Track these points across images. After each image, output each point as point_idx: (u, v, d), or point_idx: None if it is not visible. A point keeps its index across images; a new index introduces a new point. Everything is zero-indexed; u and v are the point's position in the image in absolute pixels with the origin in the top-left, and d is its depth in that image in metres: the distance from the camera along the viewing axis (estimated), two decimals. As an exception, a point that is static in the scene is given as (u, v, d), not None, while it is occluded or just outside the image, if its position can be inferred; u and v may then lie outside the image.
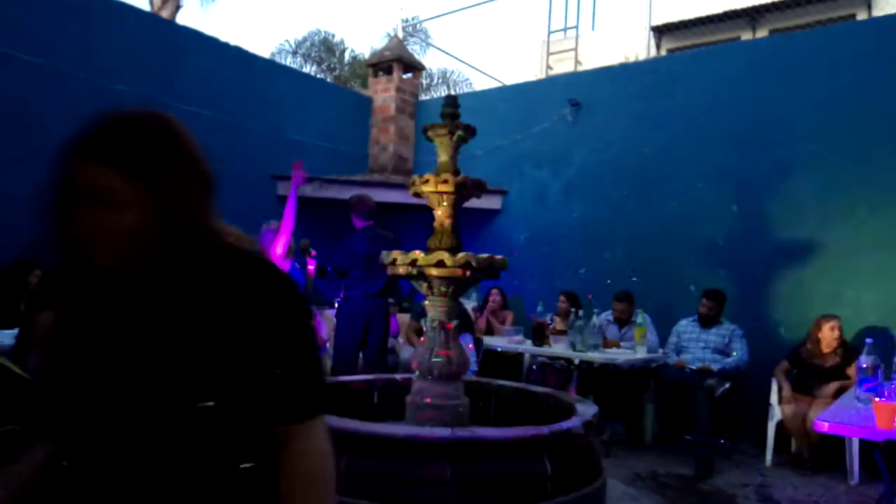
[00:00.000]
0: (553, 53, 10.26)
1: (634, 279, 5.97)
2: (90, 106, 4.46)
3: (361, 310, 4.75)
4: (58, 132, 4.34)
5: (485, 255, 3.34)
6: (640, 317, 5.14)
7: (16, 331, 3.70)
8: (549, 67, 10.12)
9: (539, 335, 5.22)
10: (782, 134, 5.55)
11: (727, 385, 4.83)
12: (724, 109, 5.86)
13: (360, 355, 4.85)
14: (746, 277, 5.57)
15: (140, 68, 5.70)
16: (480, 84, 13.76)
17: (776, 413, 4.72)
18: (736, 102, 5.80)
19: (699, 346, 5.09)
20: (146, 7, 10.95)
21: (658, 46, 10.89)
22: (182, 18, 6.62)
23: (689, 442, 4.91)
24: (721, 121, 5.86)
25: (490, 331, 6.14)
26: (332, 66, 15.07)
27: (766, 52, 5.89)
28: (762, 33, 10.40)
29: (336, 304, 5.49)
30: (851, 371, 4.46)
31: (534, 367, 5.66)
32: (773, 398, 4.79)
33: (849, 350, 4.57)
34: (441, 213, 3.52)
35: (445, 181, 3.41)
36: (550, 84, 7.43)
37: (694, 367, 4.94)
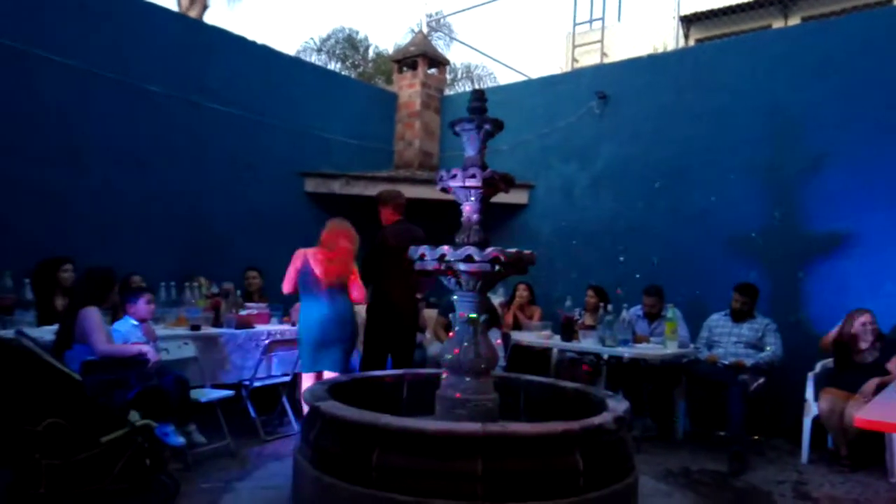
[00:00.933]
0: (579, 46, 10.15)
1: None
2: (123, 107, 4.62)
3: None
4: (92, 133, 4.50)
5: (513, 250, 3.32)
6: (671, 311, 5.07)
7: (55, 327, 3.79)
8: (574, 60, 10.01)
9: (568, 330, 5.19)
10: (816, 124, 5.42)
11: (761, 380, 4.75)
12: (755, 100, 5.74)
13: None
14: (780, 271, 5.46)
15: (170, 69, 5.79)
16: (505, 78, 13.72)
17: (812, 408, 4.63)
18: (768, 92, 5.68)
19: (731, 340, 5.00)
20: (174, 7, 11.11)
21: (686, 37, 10.70)
22: (209, 18, 6.70)
23: (722, 438, 4.84)
24: (753, 112, 5.74)
25: (517, 326, 6.11)
26: (357, 62, 15.12)
27: (799, 41, 5.74)
28: (794, 21, 10.16)
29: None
30: (892, 365, 4.35)
31: (562, 362, 5.62)
32: (809, 393, 4.69)
33: (888, 344, 4.45)
34: (469, 209, 3.51)
35: (473, 176, 3.39)
36: (577, 77, 7.35)
37: (726, 363, 4.86)
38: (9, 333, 3.56)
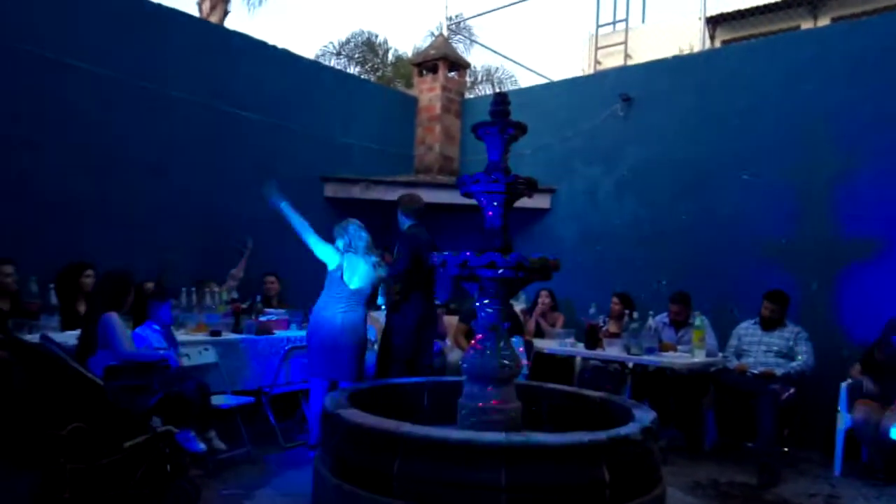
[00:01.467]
0: (602, 48, 10.04)
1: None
2: (146, 113, 4.62)
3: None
4: (116, 140, 4.51)
5: (537, 256, 3.26)
6: (698, 319, 4.96)
7: (78, 331, 3.81)
8: (597, 62, 9.91)
9: (592, 338, 5.10)
10: (847, 127, 5.28)
11: (791, 390, 4.62)
12: (784, 102, 5.61)
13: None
14: (811, 278, 5.32)
15: (192, 74, 5.82)
16: (526, 81, 13.60)
17: (845, 420, 4.48)
18: (797, 95, 5.55)
19: (761, 349, 4.87)
20: (195, 13, 11.23)
21: (712, 38, 10.53)
22: (230, 23, 6.73)
23: (751, 449, 4.70)
24: (782, 115, 5.61)
25: (540, 333, 6.04)
26: (376, 66, 15.15)
27: (829, 42, 5.61)
28: (824, 21, 9.96)
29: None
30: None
31: (586, 370, 5.53)
32: (842, 404, 4.54)
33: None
34: (491, 214, 3.45)
35: (496, 181, 3.34)
36: (601, 79, 7.26)
37: (756, 372, 4.73)
38: (34, 338, 3.58)
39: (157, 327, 3.97)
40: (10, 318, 4.10)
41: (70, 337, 3.78)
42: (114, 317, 3.56)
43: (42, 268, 4.50)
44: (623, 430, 2.98)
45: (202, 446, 3.69)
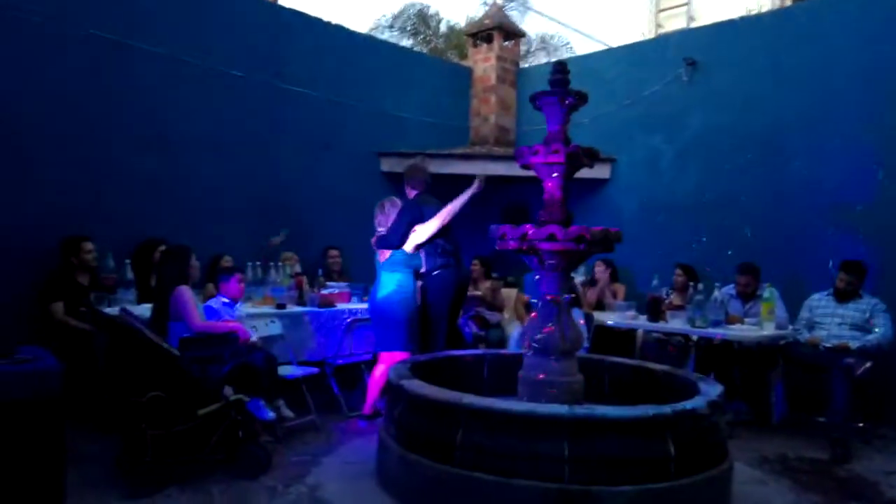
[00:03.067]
0: (663, 10, 9.66)
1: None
2: (206, 92, 4.74)
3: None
4: (178, 119, 4.65)
5: (598, 228, 3.20)
6: (768, 291, 4.77)
7: (151, 304, 4.00)
8: (658, 25, 9.54)
9: (654, 310, 5.00)
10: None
11: (868, 364, 4.41)
12: (860, 62, 5.26)
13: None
14: (889, 246, 5.02)
15: (250, 52, 5.92)
16: (582, 48, 13.20)
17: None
18: (874, 53, 5.19)
19: (835, 322, 4.66)
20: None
21: (782, -5, 9.97)
22: (284, 0, 6.80)
23: (823, 424, 4.54)
24: (857, 75, 5.27)
25: (600, 306, 5.96)
26: (428, 38, 15.03)
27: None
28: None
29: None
30: None
31: (648, 343, 5.44)
32: (923, 379, 4.33)
33: None
34: (551, 185, 3.41)
35: (556, 151, 3.29)
36: (663, 43, 6.98)
37: (829, 345, 4.54)
38: (113, 311, 3.78)
39: (226, 300, 4.11)
40: (90, 292, 4.35)
41: (146, 310, 3.96)
42: (185, 290, 3.71)
43: (117, 244, 4.72)
44: (689, 404, 2.94)
45: (272, 414, 3.83)
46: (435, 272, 4.46)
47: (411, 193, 4.70)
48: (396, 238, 4.40)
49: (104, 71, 5.01)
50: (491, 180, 4.96)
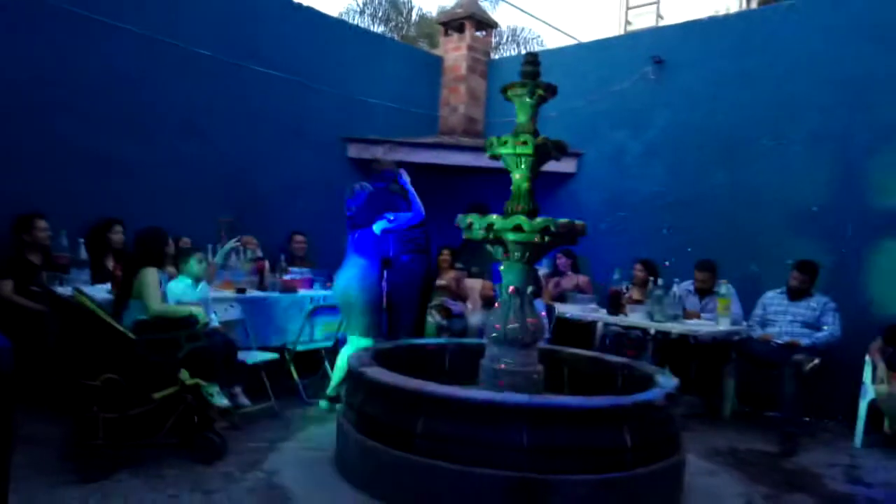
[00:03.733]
0: (633, 8, 9.76)
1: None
2: (175, 71, 4.62)
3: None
4: (143, 97, 4.51)
5: (564, 220, 3.24)
6: (725, 287, 4.90)
7: (107, 286, 3.88)
8: (628, 23, 9.65)
9: (615, 304, 5.08)
10: (887, 94, 5.09)
11: (816, 361, 4.57)
12: (824, 66, 5.40)
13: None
14: (841, 248, 5.20)
15: (220, 32, 5.77)
16: (552, 42, 13.28)
17: (869, 392, 4.45)
18: (839, 59, 5.33)
19: (787, 319, 4.82)
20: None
21: (748, -2, 10.18)
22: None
23: (772, 418, 4.70)
24: (821, 79, 5.41)
25: (562, 298, 6.02)
26: (399, 25, 14.92)
27: (872, 3, 5.35)
28: (866, -18, 9.51)
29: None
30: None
31: (607, 336, 5.52)
32: (867, 376, 4.50)
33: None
34: (519, 177, 3.43)
35: (524, 143, 3.31)
36: (632, 40, 7.06)
37: (781, 342, 4.69)
38: (66, 291, 3.66)
39: (189, 281, 4.01)
40: (42, 271, 4.20)
41: (100, 291, 3.85)
42: (151, 272, 3.61)
43: (71, 222, 4.56)
44: (646, 396, 3.00)
45: (226, 401, 3.77)
46: (404, 258, 4.46)
47: (379, 186, 4.68)
48: (362, 219, 4.37)
49: (67, 45, 4.84)
50: (458, 171, 4.97)
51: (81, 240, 4.46)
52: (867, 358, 4.53)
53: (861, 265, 5.13)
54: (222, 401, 3.72)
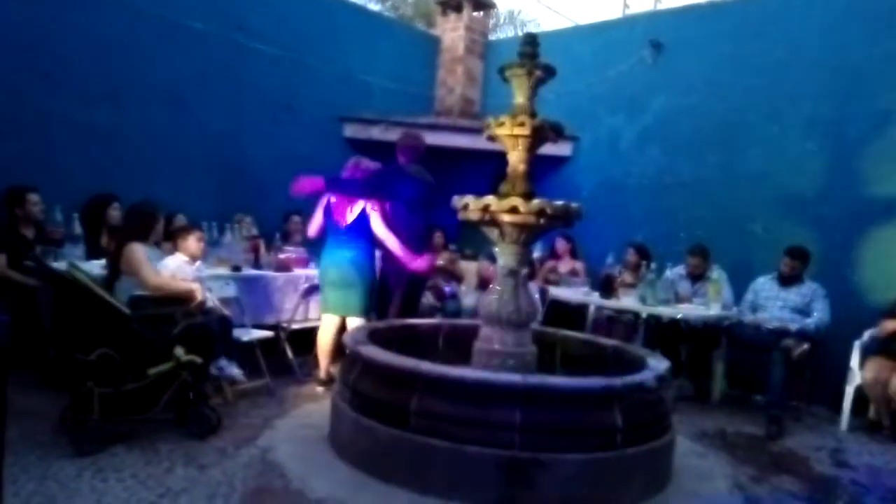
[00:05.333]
0: (631, -9, 9.68)
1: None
2: (164, 43, 4.56)
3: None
4: (134, 70, 4.47)
5: (560, 202, 3.25)
6: (717, 272, 4.95)
7: (102, 261, 3.87)
8: (625, 6, 9.59)
9: (607, 287, 5.11)
10: (886, 80, 5.10)
11: (805, 346, 4.63)
12: (822, 53, 5.41)
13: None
14: (834, 235, 5.24)
15: (212, 5, 5.70)
16: (550, 24, 13.20)
17: (856, 377, 4.51)
18: (836, 46, 5.34)
19: (777, 304, 4.86)
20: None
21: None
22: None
23: (760, 402, 4.77)
24: (818, 65, 5.42)
25: (553, 281, 6.06)
26: (396, 4, 14.78)
27: (874, -11, 5.35)
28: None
29: None
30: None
31: (599, 319, 5.57)
32: (854, 362, 4.57)
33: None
34: (515, 158, 3.43)
35: (522, 124, 3.31)
36: (630, 24, 7.02)
37: (770, 327, 4.74)
38: (60, 266, 3.65)
39: (185, 258, 3.99)
40: (36, 246, 4.18)
41: (94, 266, 3.83)
42: (137, 247, 3.59)
43: (65, 196, 4.53)
44: (638, 377, 3.04)
45: (237, 371, 3.80)
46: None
47: (401, 160, 4.66)
48: (358, 191, 4.39)
49: (59, 17, 4.77)
50: (454, 152, 4.96)
51: (76, 214, 4.43)
52: (855, 343, 4.60)
53: (852, 252, 5.18)
54: (233, 371, 3.76)
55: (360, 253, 4.37)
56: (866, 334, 4.66)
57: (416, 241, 4.53)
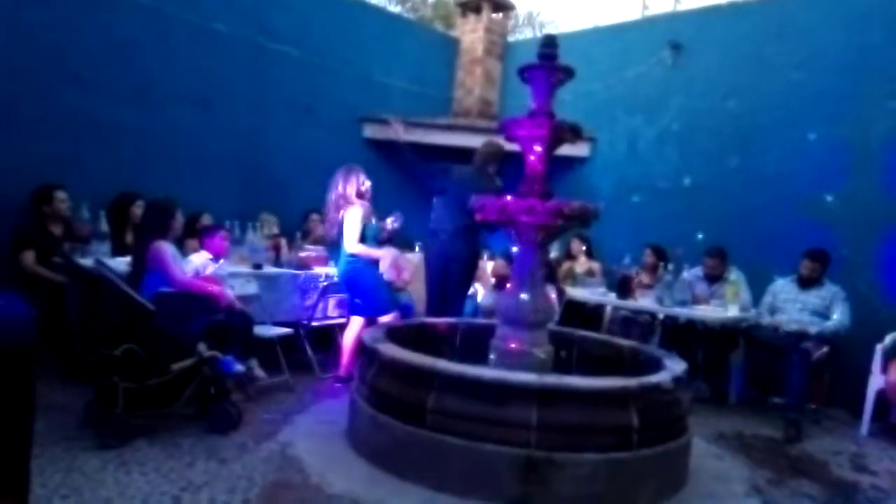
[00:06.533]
0: (651, -8, 9.64)
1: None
2: (189, 45, 4.65)
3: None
4: (160, 71, 4.56)
5: (577, 203, 3.26)
6: (735, 274, 4.92)
7: (128, 258, 3.96)
8: (645, 7, 9.55)
9: (624, 288, 5.11)
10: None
11: (825, 349, 4.59)
12: (844, 54, 5.35)
13: None
14: (854, 237, 5.19)
15: (235, 7, 5.79)
16: (568, 25, 13.17)
17: (878, 380, 4.46)
18: (858, 47, 5.28)
19: (796, 307, 4.82)
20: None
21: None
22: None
23: (778, 405, 4.73)
24: (840, 67, 5.37)
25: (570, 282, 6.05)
26: (416, 6, 14.84)
27: (899, -11, 5.28)
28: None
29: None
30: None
31: (615, 320, 5.56)
32: (876, 365, 4.52)
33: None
34: (533, 159, 3.45)
35: (540, 125, 3.32)
36: (649, 25, 7.00)
37: (789, 329, 4.71)
38: (87, 262, 3.73)
39: (210, 256, 4.07)
40: (63, 242, 4.28)
41: (120, 263, 3.92)
42: (164, 245, 3.68)
43: (92, 194, 4.64)
44: (654, 378, 3.04)
45: (240, 367, 3.84)
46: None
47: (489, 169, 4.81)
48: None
49: (87, 19, 4.88)
50: (472, 153, 4.99)
51: (102, 212, 4.53)
52: (878, 347, 4.54)
53: (872, 255, 5.12)
54: (235, 367, 3.83)
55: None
56: (888, 338, 4.61)
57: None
